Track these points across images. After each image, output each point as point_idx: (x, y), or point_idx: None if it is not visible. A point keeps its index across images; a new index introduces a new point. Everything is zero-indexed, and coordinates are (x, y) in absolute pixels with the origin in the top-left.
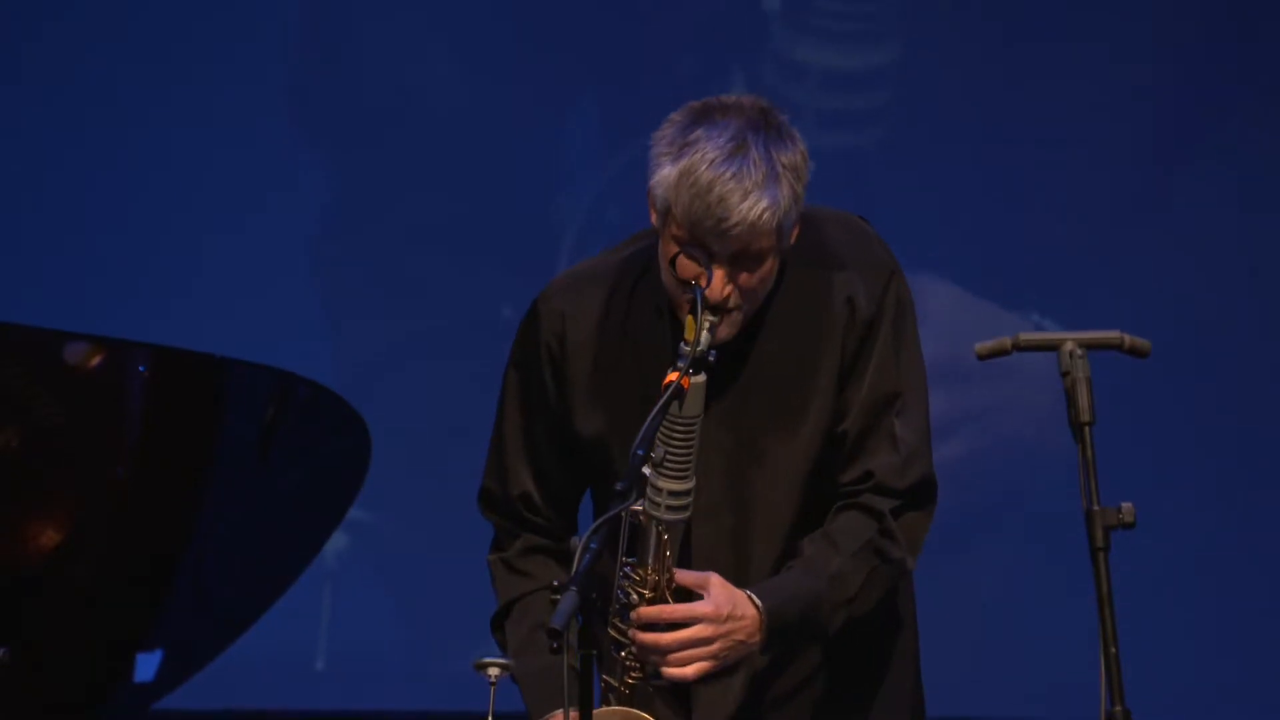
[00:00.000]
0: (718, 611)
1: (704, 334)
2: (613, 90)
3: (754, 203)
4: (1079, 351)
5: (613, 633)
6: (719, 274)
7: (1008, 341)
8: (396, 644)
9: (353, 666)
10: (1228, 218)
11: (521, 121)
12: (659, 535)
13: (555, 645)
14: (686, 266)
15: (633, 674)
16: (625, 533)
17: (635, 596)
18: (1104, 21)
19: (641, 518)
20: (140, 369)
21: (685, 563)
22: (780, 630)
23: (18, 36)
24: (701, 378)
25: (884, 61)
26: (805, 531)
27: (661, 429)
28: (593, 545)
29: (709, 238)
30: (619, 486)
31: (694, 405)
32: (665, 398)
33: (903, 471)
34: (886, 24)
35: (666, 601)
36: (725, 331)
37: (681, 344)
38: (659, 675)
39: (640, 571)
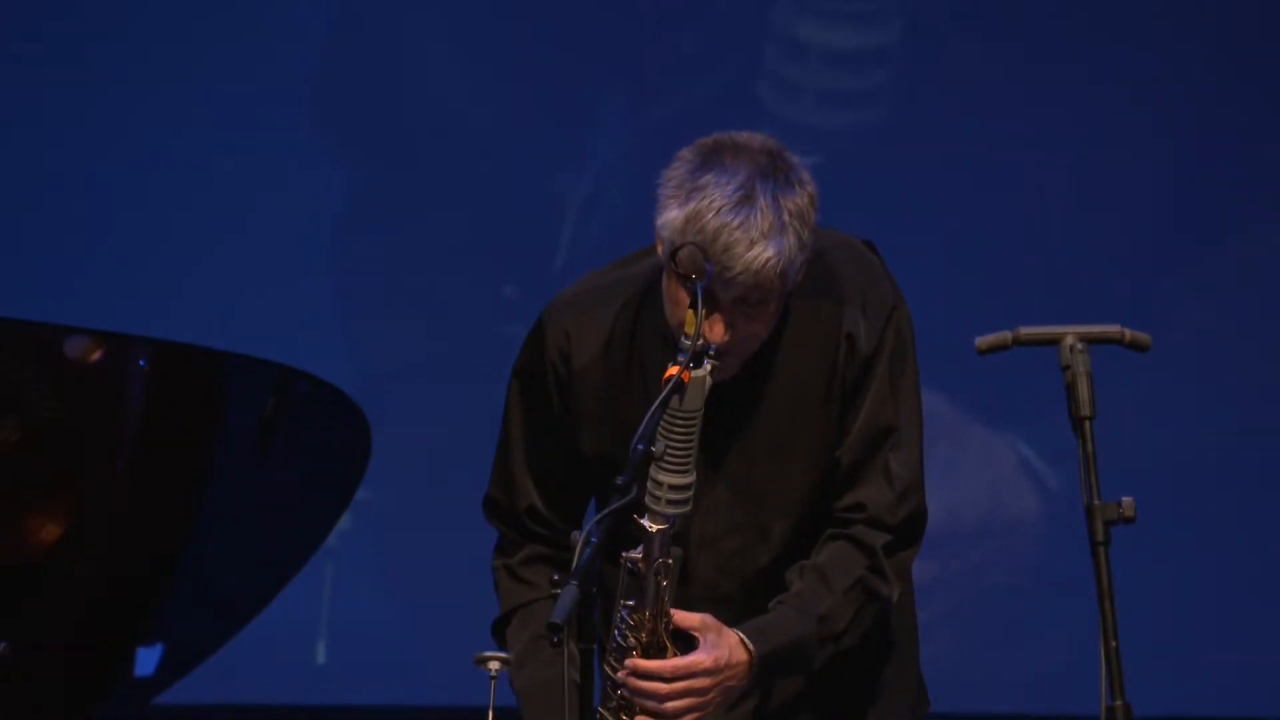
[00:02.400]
0: (715, 664)
1: (707, 380)
2: (614, 70)
3: (759, 252)
4: (1079, 346)
5: (608, 671)
6: (719, 321)
7: (1008, 336)
8: (398, 638)
9: (354, 660)
10: (1230, 207)
11: (522, 102)
12: (657, 581)
13: (555, 640)
14: (687, 309)
15: (626, 713)
16: (624, 580)
17: (632, 639)
18: (1106, 3)
19: (640, 565)
20: (141, 363)
21: (685, 590)
22: (768, 671)
23: (21, 32)
24: (701, 372)
25: (885, 41)
26: (804, 558)
27: (662, 423)
28: (593, 539)
29: (713, 284)
30: (619, 481)
31: (694, 400)
32: (665, 392)
33: (896, 507)
34: (888, 3)
35: (663, 643)
36: (723, 373)
37: (681, 338)
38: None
39: (637, 616)
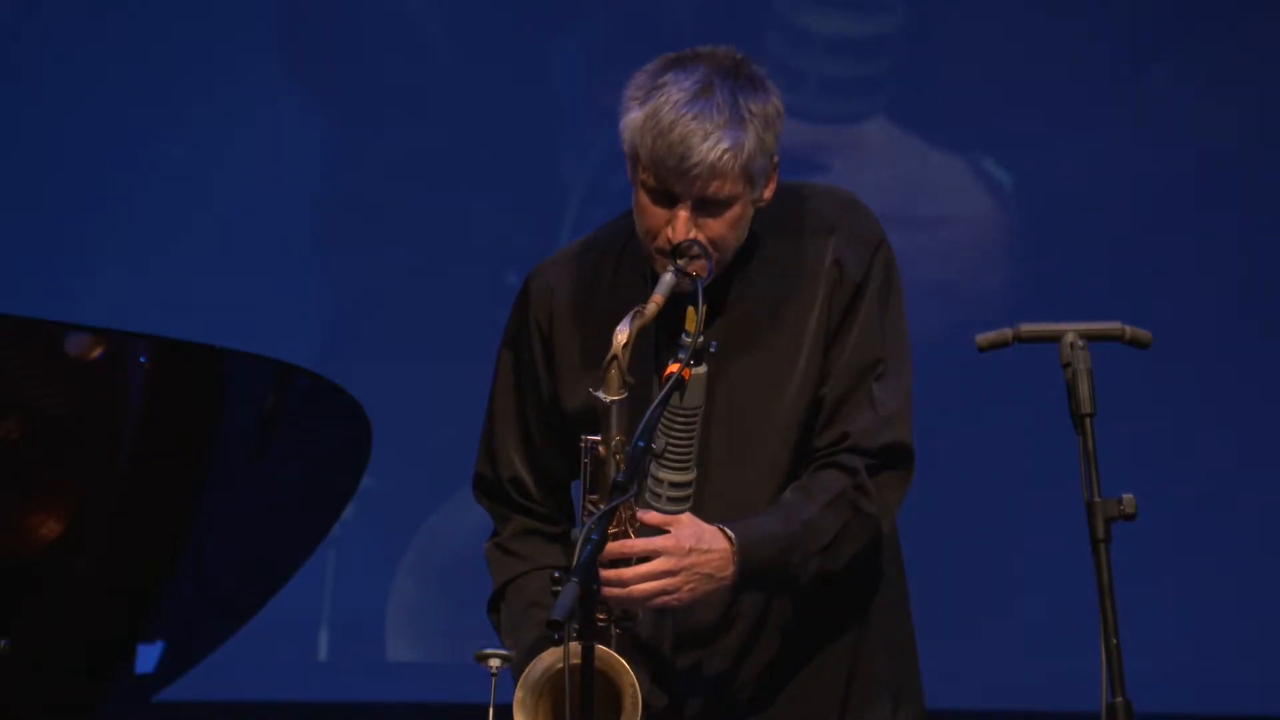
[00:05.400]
0: (679, 545)
1: (668, 276)
2: (616, 58)
3: (715, 144)
4: (1080, 343)
5: None
6: (683, 216)
7: (1009, 333)
8: (400, 630)
9: (355, 655)
10: (1232, 203)
11: (524, 90)
12: (617, 464)
13: (557, 636)
14: (653, 213)
15: (603, 611)
16: (587, 471)
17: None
18: None
19: (600, 449)
20: (141, 360)
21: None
22: (752, 569)
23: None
24: (703, 369)
25: (888, 30)
26: None
27: (662, 420)
28: (594, 537)
29: (672, 179)
30: (619, 478)
31: (695, 397)
32: (666, 389)
33: (878, 433)
34: None
35: (629, 533)
36: (699, 272)
37: (682, 335)
38: (626, 616)
39: (603, 505)
